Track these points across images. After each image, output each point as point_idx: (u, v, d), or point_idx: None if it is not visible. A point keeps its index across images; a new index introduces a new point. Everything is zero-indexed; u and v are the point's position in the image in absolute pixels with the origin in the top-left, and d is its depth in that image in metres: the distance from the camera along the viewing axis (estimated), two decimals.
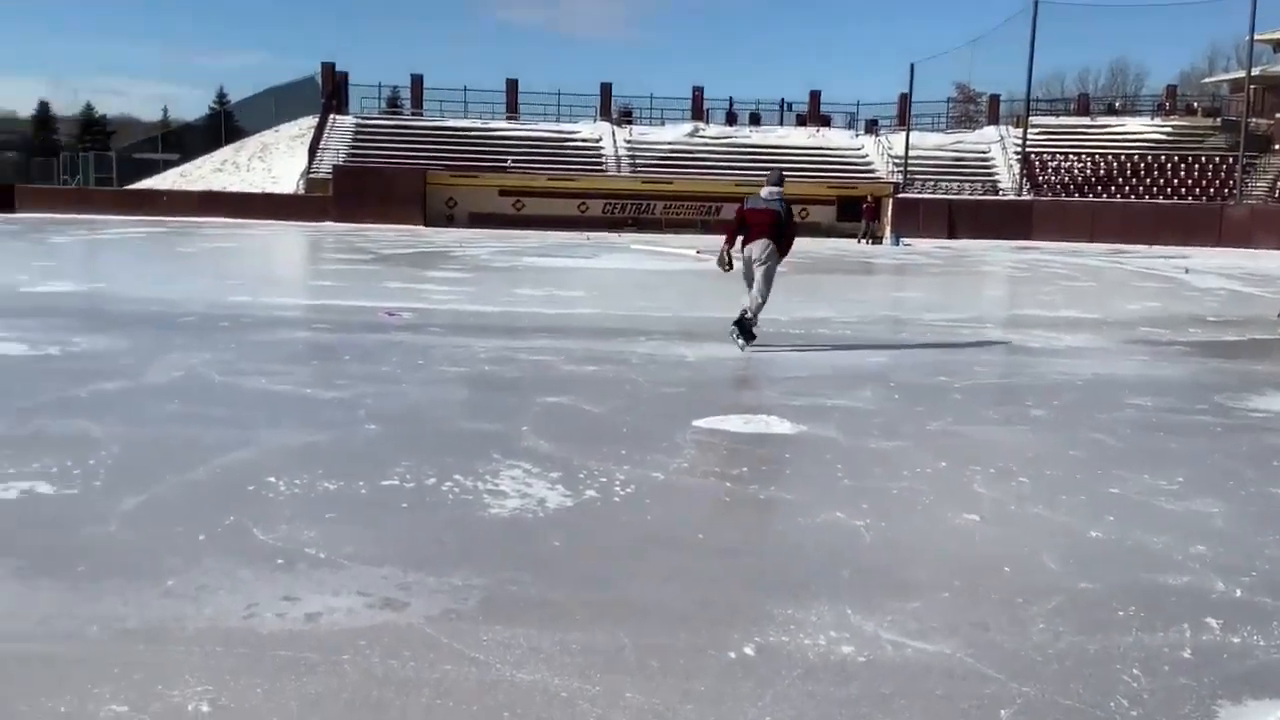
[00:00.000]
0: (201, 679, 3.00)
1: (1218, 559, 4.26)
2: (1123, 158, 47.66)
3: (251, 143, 54.43)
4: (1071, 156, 48.25)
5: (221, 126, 58.79)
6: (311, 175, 44.49)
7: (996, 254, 32.54)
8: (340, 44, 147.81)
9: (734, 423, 6.66)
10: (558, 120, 50.88)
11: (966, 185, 46.76)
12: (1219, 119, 50.40)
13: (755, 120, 52.86)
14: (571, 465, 5.45)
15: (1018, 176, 46.48)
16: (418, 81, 51.68)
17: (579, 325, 11.76)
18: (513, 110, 50.91)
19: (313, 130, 47.74)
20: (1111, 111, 54.81)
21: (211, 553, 4.02)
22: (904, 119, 48.93)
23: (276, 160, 50.48)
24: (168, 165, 54.32)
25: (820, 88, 59.13)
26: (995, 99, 54.08)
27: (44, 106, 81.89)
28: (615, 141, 48.69)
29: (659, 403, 7.39)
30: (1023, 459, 5.91)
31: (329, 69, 50.35)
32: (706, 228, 42.43)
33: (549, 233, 38.22)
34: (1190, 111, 52.81)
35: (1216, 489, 5.36)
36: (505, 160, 45.46)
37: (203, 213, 41.68)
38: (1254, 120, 47.33)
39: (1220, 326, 13.69)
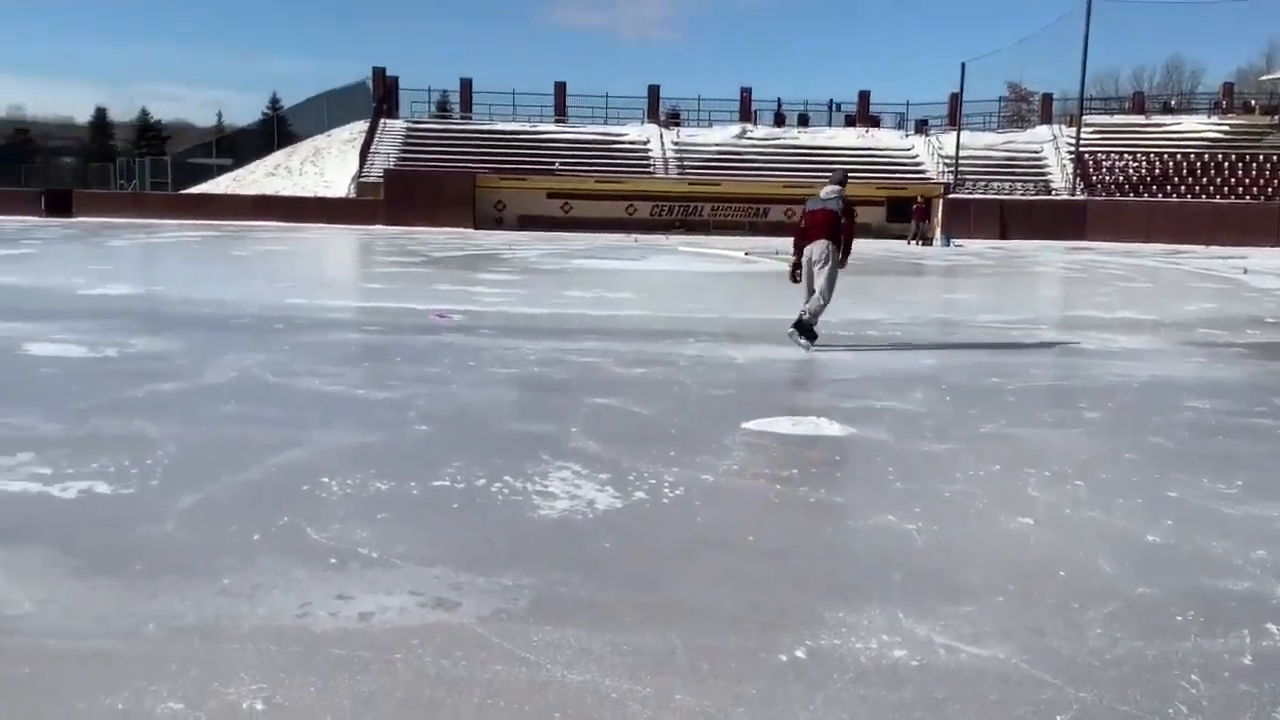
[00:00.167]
0: (256, 677, 3.03)
1: (1279, 564, 4.17)
2: (1178, 157, 46.89)
3: (304, 147, 55.17)
4: (1126, 156, 47.54)
5: (274, 131, 59.64)
6: (362, 179, 44.95)
7: (1049, 255, 32.14)
8: (391, 49, 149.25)
9: (783, 425, 6.63)
10: (605, 123, 50.99)
11: (1019, 185, 46.22)
12: (1277, 117, 49.43)
13: (804, 121, 52.61)
14: (621, 467, 5.45)
15: (1071, 176, 45.85)
16: (466, 85, 52.04)
17: (627, 327, 11.77)
18: (561, 113, 51.08)
19: (364, 134, 48.27)
20: (1167, 110, 54.01)
21: (266, 552, 4.06)
22: (954, 119, 48.46)
23: (328, 164, 51.10)
24: (222, 170, 55.22)
25: (869, 88, 58.70)
26: (1048, 98, 53.36)
27: (101, 113, 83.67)
28: (663, 143, 48.70)
29: (708, 404, 7.37)
30: (1078, 462, 5.82)
31: (380, 74, 50.82)
32: (754, 230, 42.36)
33: (597, 235, 38.31)
34: (1247, 109, 51.85)
35: (1278, 493, 5.25)
36: (553, 163, 45.64)
37: (256, 216, 42.28)
38: None
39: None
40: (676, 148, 48.68)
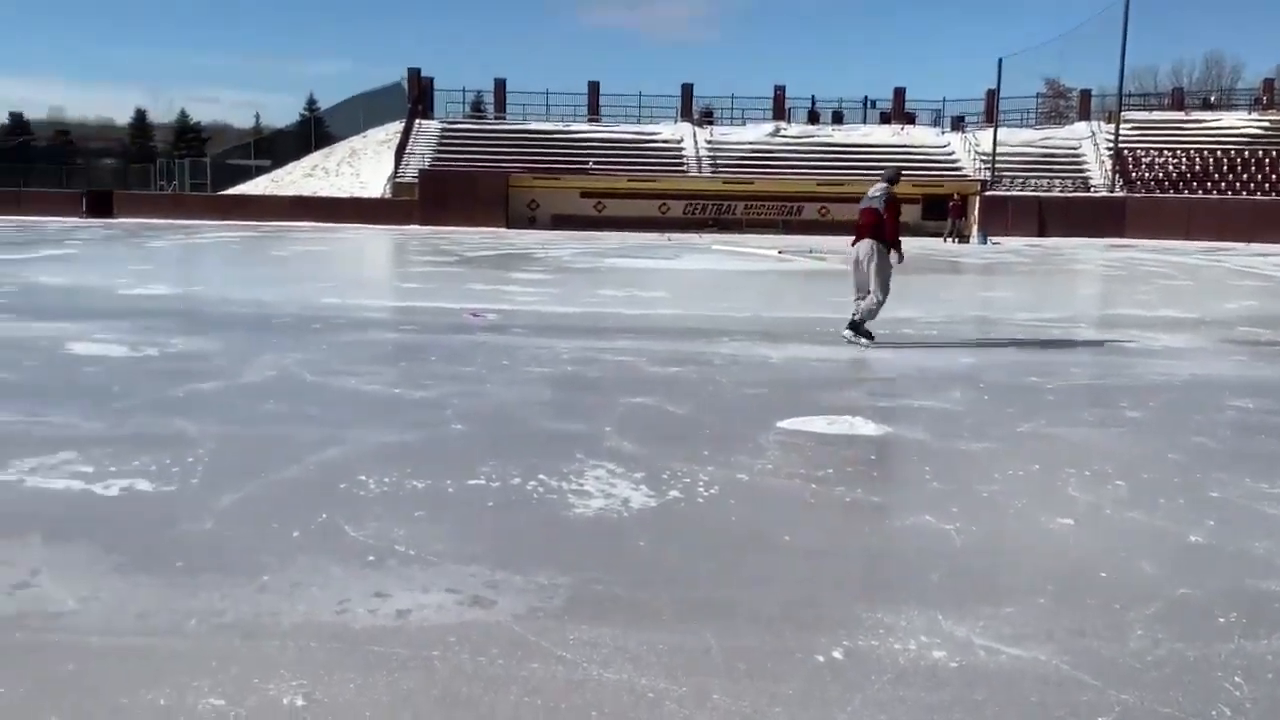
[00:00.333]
0: (296, 673, 3.05)
1: None
2: (1218, 153, 46.26)
3: (340, 148, 55.57)
4: (1165, 152, 46.95)
5: (311, 132, 60.11)
6: (398, 179, 45.24)
7: (1088, 252, 31.83)
8: (426, 50, 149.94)
9: (818, 424, 6.59)
10: (639, 122, 51.00)
11: (1057, 182, 45.76)
12: None
13: (838, 119, 52.37)
14: (655, 466, 5.44)
15: (1110, 173, 45.38)
16: (500, 85, 52.20)
17: (661, 326, 11.77)
18: (594, 112, 51.14)
19: (399, 135, 48.58)
20: (1207, 106, 53.29)
21: (305, 549, 4.09)
22: (991, 115, 48.08)
23: (364, 165, 51.46)
24: (260, 171, 55.72)
25: (905, 85, 58.33)
26: (1086, 94, 52.77)
27: (141, 115, 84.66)
28: (696, 142, 48.64)
29: (742, 404, 7.35)
30: (1119, 462, 5.76)
31: (415, 75, 51.12)
32: (787, 228, 42.24)
33: (630, 234, 38.33)
34: None
35: None
36: (586, 162, 45.70)
37: (293, 217, 42.67)
38: None
39: None
40: (710, 146, 48.61)
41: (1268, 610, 3.66)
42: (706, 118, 52.09)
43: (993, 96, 48.19)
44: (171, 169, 56.71)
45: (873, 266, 9.88)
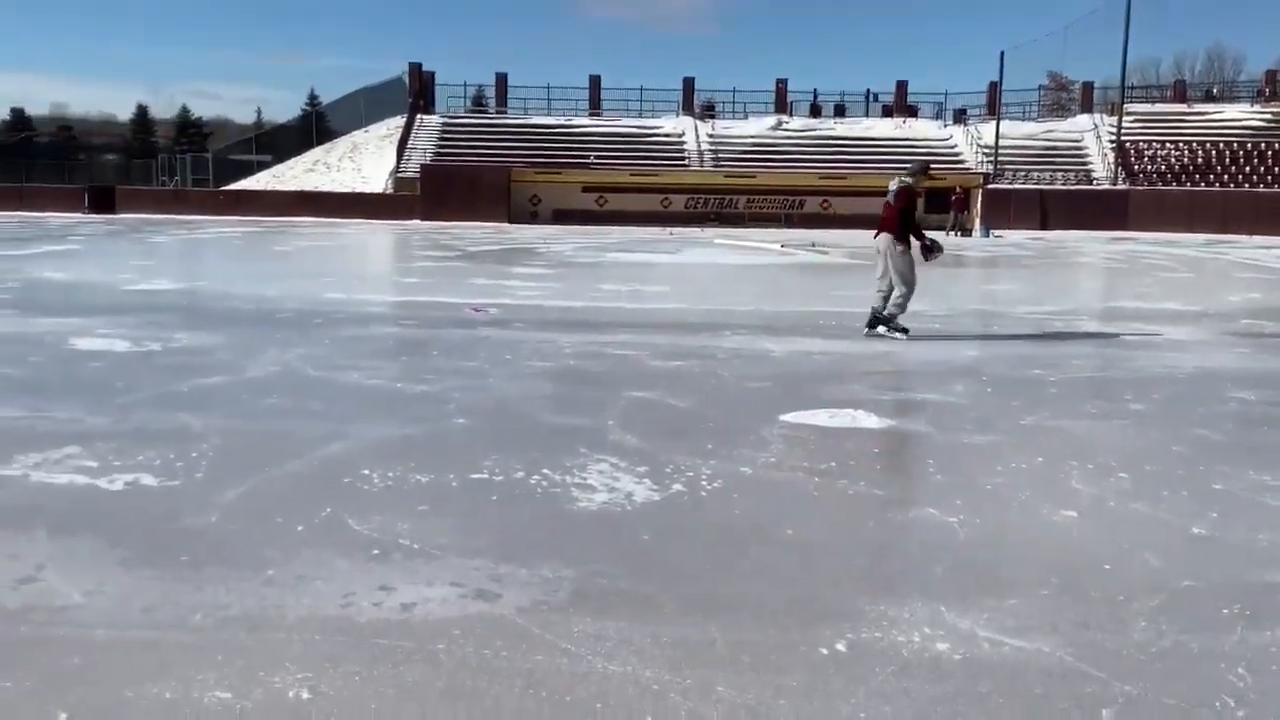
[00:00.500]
0: (301, 666, 3.06)
1: None
2: (1220, 145, 46.21)
3: (342, 143, 55.49)
4: (1168, 145, 46.90)
5: (313, 128, 59.98)
6: (399, 174, 45.23)
7: (1091, 245, 31.79)
8: (427, 45, 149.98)
9: (821, 417, 6.59)
10: (640, 116, 50.98)
11: (1059, 175, 45.72)
12: None
13: (840, 112, 52.34)
14: (658, 459, 5.45)
15: (1112, 165, 45.33)
16: (502, 80, 52.17)
17: (663, 320, 11.77)
18: (595, 106, 51.12)
19: (400, 130, 48.54)
20: (1209, 98, 53.18)
21: (309, 543, 4.10)
22: (993, 108, 48.00)
23: (366, 160, 51.41)
24: (261, 166, 55.63)
25: (907, 78, 58.13)
26: (1088, 86, 52.63)
27: (142, 110, 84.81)
28: (698, 136, 48.60)
29: (745, 397, 7.36)
30: (1122, 454, 5.76)
31: (416, 69, 51.07)
32: (790, 222, 42.22)
33: (632, 228, 38.33)
34: None
35: None
36: (588, 157, 45.68)
37: (295, 212, 42.70)
38: None
39: None
40: (711, 140, 48.57)
41: (1271, 602, 3.67)
42: (708, 111, 52.01)
43: (995, 89, 48.11)
44: (173, 165, 56.68)
45: (892, 262, 9.99)
